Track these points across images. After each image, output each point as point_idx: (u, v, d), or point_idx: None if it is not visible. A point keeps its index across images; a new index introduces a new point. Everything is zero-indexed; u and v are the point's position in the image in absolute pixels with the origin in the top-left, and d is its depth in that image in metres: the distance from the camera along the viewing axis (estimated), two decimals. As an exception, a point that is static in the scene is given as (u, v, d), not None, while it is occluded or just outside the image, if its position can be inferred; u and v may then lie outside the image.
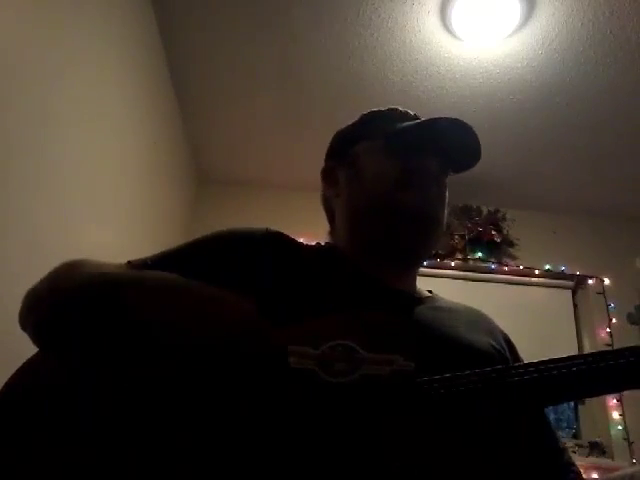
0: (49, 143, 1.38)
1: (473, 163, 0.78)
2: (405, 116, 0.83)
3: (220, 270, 0.67)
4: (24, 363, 0.58)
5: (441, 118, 0.76)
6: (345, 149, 0.84)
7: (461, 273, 2.89)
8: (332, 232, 0.87)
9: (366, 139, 0.82)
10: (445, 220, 0.79)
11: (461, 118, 0.75)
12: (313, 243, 0.84)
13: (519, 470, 0.66)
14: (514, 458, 0.66)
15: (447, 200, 0.78)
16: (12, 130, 1.20)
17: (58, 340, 0.59)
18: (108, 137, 1.77)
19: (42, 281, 0.63)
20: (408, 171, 0.75)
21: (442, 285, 2.81)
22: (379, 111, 0.85)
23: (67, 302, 0.59)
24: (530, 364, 0.52)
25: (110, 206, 1.84)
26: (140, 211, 2.17)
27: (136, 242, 2.01)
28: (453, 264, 2.85)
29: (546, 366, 0.51)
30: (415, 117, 0.83)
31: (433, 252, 0.81)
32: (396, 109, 0.84)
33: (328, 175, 0.85)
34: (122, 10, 1.77)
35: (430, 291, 0.83)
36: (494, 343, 0.75)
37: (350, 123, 0.88)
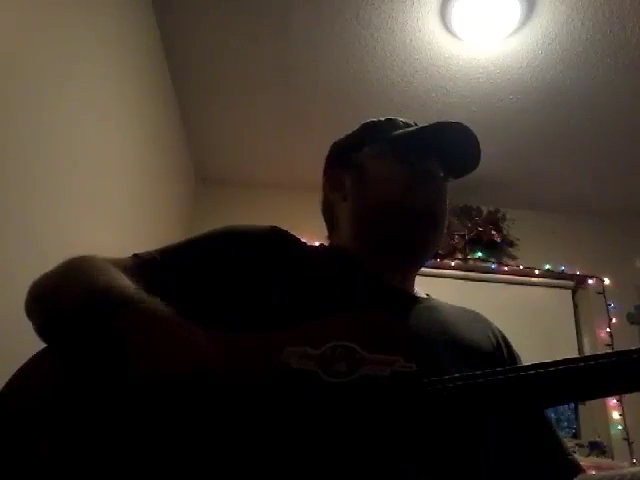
0: (48, 143, 1.38)
1: (473, 168, 0.81)
2: (406, 126, 0.85)
3: (225, 266, 0.68)
4: (25, 363, 0.58)
5: (445, 123, 0.78)
6: (349, 155, 0.85)
7: (461, 273, 2.88)
8: (331, 236, 0.88)
9: (370, 145, 0.83)
10: (447, 221, 0.82)
11: (461, 118, 0.77)
12: (316, 244, 0.85)
13: (519, 469, 0.66)
14: (515, 457, 0.66)
15: (448, 203, 0.81)
16: (11, 129, 1.20)
17: (54, 346, 0.59)
18: (108, 137, 1.76)
19: (46, 279, 0.63)
20: (415, 174, 0.77)
21: (442, 285, 2.82)
22: (379, 121, 0.87)
23: (60, 322, 0.58)
24: (532, 365, 0.52)
25: (110, 206, 1.84)
26: (140, 211, 2.17)
27: (136, 242, 2.01)
28: (453, 264, 2.85)
29: (547, 368, 0.51)
30: (415, 126, 0.85)
31: (435, 252, 0.83)
32: (396, 119, 0.86)
33: (333, 181, 0.86)
34: (122, 10, 1.77)
35: (427, 294, 0.84)
36: (493, 342, 0.76)
37: (349, 133, 0.90)
